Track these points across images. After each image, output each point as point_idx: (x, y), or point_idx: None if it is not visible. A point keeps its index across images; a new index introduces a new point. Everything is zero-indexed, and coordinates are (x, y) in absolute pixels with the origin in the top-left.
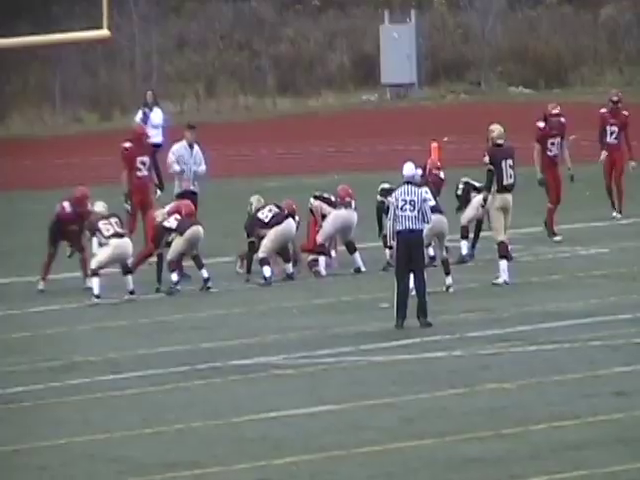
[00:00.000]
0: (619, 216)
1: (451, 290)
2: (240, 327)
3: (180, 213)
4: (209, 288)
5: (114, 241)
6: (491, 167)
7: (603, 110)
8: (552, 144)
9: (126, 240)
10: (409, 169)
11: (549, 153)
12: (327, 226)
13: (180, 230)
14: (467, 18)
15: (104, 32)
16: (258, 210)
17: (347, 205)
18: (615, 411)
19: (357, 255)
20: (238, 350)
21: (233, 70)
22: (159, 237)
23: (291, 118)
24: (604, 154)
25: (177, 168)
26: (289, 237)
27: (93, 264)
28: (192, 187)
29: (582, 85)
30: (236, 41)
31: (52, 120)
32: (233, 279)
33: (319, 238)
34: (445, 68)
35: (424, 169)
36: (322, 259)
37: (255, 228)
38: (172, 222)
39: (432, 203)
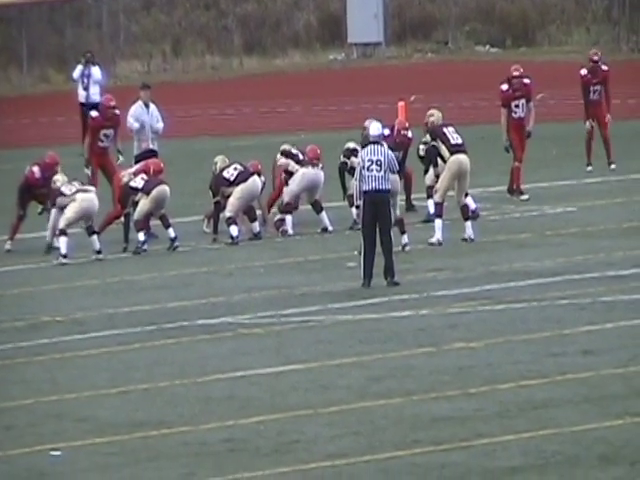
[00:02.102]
0: (613, 166)
1: (407, 249)
2: (207, 286)
3: (148, 172)
4: (176, 247)
5: (80, 195)
6: (434, 143)
7: (584, 72)
8: (517, 106)
9: (92, 194)
10: (376, 129)
11: (514, 115)
12: (293, 185)
13: (146, 190)
14: None
15: None
16: (223, 169)
17: (315, 164)
18: (583, 370)
19: (324, 214)
20: (205, 309)
21: (200, 30)
22: (125, 197)
23: (258, 78)
24: (589, 124)
25: (136, 125)
26: (255, 194)
27: (61, 223)
28: (151, 145)
29: (549, 44)
30: (203, 1)
31: (19, 80)
32: (200, 238)
33: (285, 197)
34: (412, 27)
35: (392, 129)
36: (289, 218)
37: (220, 187)
38: (138, 182)
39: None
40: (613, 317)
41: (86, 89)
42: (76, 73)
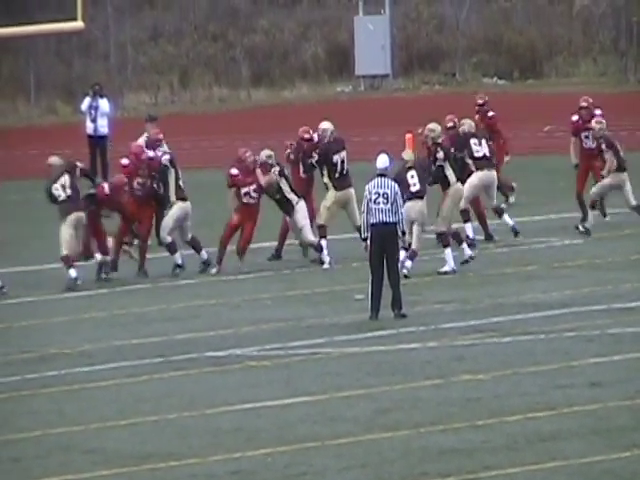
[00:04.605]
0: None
1: (404, 271)
2: (215, 318)
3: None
4: (177, 275)
5: (69, 218)
6: (442, 164)
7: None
8: (586, 137)
9: (81, 213)
10: (382, 161)
11: (584, 145)
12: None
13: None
14: (441, 9)
15: (78, 23)
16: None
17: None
18: (590, 402)
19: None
20: (213, 342)
21: (207, 61)
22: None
23: (265, 109)
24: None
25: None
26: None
27: (63, 252)
28: None
29: (556, 76)
30: (210, 32)
31: (26, 111)
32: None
33: (309, 237)
34: (419, 59)
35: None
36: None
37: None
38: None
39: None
40: (621, 349)
41: (94, 121)
42: (84, 105)
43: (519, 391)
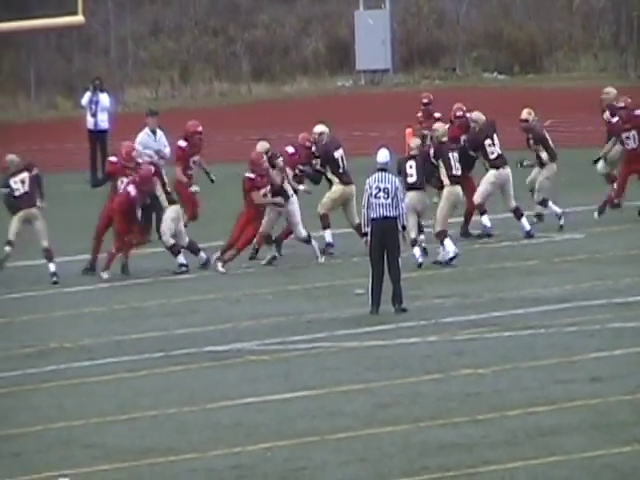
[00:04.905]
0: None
1: (420, 260)
2: (215, 313)
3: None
4: (182, 272)
5: (19, 214)
6: (433, 161)
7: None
8: (627, 138)
9: (34, 209)
10: (383, 156)
11: (627, 147)
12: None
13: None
14: (441, 3)
15: (79, 18)
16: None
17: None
18: (590, 397)
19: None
20: (213, 336)
21: (208, 56)
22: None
23: (266, 104)
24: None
25: (147, 152)
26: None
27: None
28: None
29: (557, 71)
30: (211, 27)
31: (27, 106)
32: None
33: (302, 233)
34: (420, 54)
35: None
36: (328, 233)
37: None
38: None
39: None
40: (621, 344)
41: (94, 116)
42: (84, 100)
43: (519, 386)
